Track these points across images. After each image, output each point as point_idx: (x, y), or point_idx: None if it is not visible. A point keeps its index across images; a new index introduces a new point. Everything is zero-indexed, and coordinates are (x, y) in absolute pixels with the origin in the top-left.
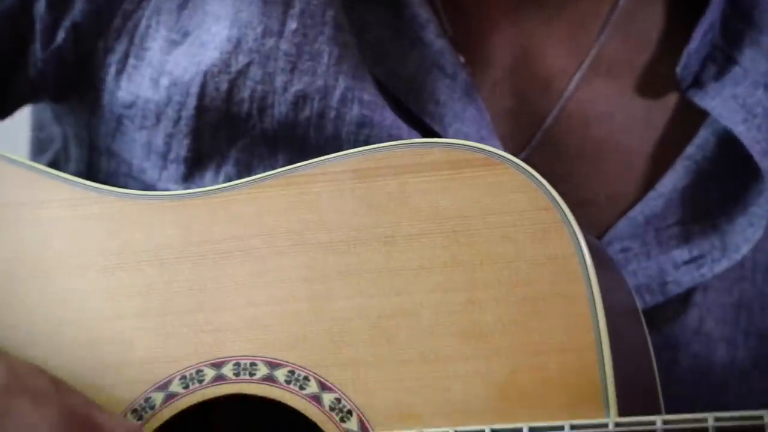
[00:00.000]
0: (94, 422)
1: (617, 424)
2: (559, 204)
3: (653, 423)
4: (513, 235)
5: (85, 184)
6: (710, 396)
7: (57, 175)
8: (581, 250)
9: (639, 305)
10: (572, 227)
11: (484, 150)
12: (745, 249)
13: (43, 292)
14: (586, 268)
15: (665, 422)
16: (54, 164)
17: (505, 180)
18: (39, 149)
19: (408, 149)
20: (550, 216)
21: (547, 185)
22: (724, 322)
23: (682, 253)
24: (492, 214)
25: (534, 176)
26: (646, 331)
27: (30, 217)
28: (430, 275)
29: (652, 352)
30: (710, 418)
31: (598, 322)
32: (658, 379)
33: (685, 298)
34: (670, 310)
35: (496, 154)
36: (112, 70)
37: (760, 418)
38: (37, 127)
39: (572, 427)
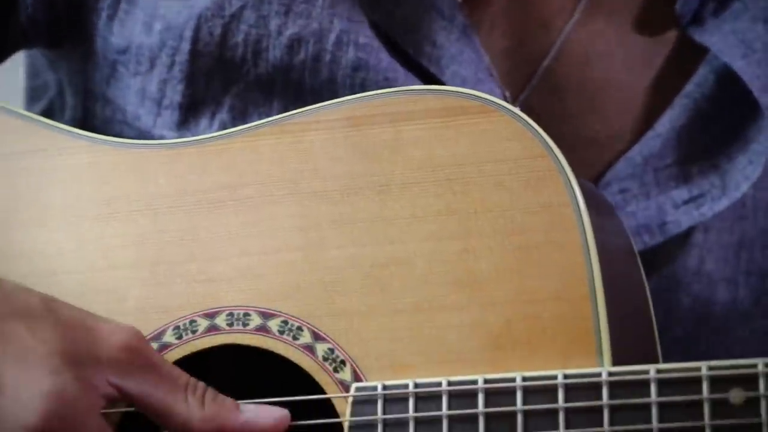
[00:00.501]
0: (88, 331)
1: (611, 374)
2: (554, 152)
3: (647, 372)
4: (508, 183)
5: (78, 134)
6: (711, 338)
7: (50, 125)
8: (576, 198)
9: (638, 247)
10: (567, 175)
11: (479, 97)
12: (745, 187)
13: (37, 242)
14: (581, 216)
15: (659, 371)
16: (49, 112)
17: (499, 128)
18: (33, 97)
19: (402, 96)
20: (544, 164)
21: (542, 133)
22: (725, 261)
23: (681, 193)
24: (487, 162)
25: (529, 124)
26: (644, 275)
27: (23, 166)
28: (423, 224)
29: (650, 296)
30: (704, 366)
31: (592, 270)
32: (655, 325)
33: (685, 238)
34: (669, 251)
35: (491, 101)
36: (104, 14)
37: (754, 366)
38: (32, 75)
39: (565, 376)
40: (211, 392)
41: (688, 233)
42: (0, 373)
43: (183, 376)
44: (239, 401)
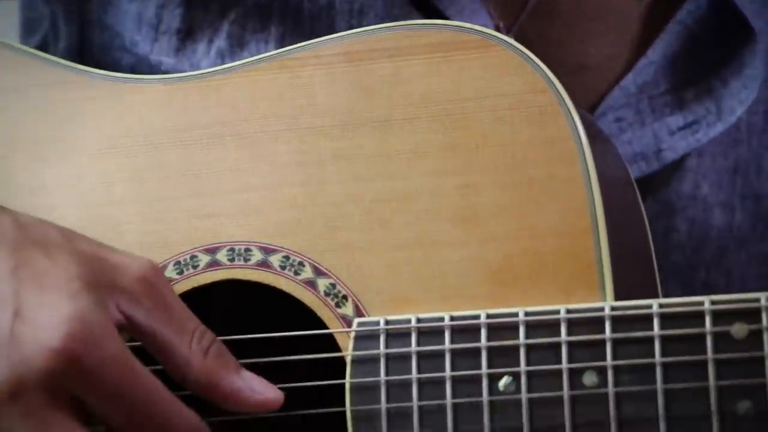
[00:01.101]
0: (106, 261)
1: (613, 308)
2: (555, 85)
3: (649, 307)
4: (509, 118)
5: (77, 69)
6: (710, 264)
7: (50, 60)
8: (577, 132)
9: (634, 174)
10: (568, 109)
11: (479, 31)
12: (739, 111)
13: (36, 176)
14: (583, 151)
15: (661, 306)
16: (43, 46)
17: (500, 62)
18: (29, 30)
19: (400, 31)
20: (545, 98)
21: (543, 67)
22: (720, 186)
23: (676, 120)
24: (487, 97)
25: (530, 58)
26: (642, 205)
27: (22, 101)
28: (424, 159)
29: (649, 229)
30: (706, 301)
31: (594, 204)
32: (654, 256)
33: (680, 164)
34: (665, 177)
35: (491, 35)
36: None
37: (757, 300)
38: (27, 6)
39: (568, 311)
40: (217, 346)
41: (683, 159)
42: (19, 298)
43: (193, 321)
44: (241, 336)
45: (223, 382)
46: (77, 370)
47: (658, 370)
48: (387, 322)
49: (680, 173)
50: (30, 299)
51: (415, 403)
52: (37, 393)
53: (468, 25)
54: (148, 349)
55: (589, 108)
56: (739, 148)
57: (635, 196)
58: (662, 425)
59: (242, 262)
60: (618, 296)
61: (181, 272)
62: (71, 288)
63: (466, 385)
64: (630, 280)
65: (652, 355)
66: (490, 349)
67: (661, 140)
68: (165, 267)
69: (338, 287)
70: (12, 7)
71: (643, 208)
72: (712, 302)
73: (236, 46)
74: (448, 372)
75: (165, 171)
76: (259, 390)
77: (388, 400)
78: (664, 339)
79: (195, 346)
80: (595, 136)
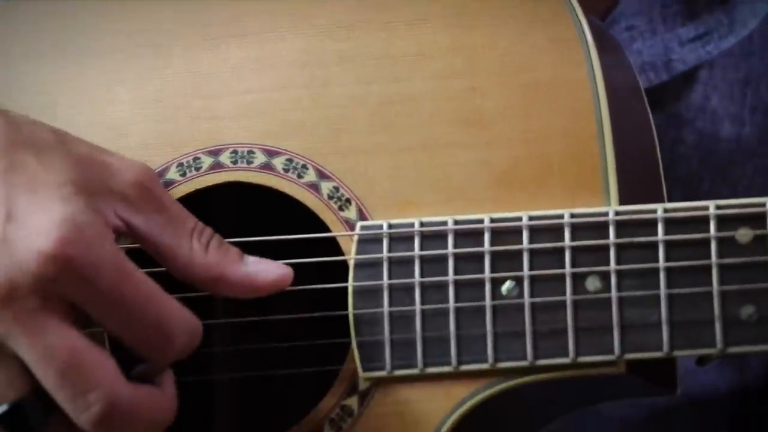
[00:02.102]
0: (100, 164)
1: (617, 213)
2: None
3: (654, 211)
4: (515, 19)
5: None
6: (715, 176)
7: None
8: (584, 35)
9: (643, 85)
10: (575, 11)
11: None
12: (753, 24)
13: (38, 75)
14: (590, 53)
15: (666, 210)
16: None
17: None
18: None
19: None
20: (553, 1)
21: None
22: (730, 98)
23: (687, 31)
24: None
25: None
26: (650, 113)
27: (21, 2)
28: (430, 61)
29: (656, 134)
30: (711, 205)
31: (600, 108)
32: (661, 166)
33: (690, 75)
34: (674, 88)
35: None
36: None
37: (762, 205)
38: None
39: (572, 215)
40: (216, 239)
41: (694, 70)
42: (11, 201)
43: (190, 220)
44: (243, 239)
45: (228, 271)
46: (70, 273)
47: (662, 275)
48: (390, 226)
49: (690, 85)
50: (22, 202)
51: (417, 306)
52: (30, 297)
53: None
54: (149, 253)
55: (601, 15)
56: (751, 60)
57: (643, 103)
58: (665, 330)
59: (245, 165)
60: (623, 202)
61: (183, 174)
62: (63, 192)
63: (469, 289)
64: (635, 186)
65: (656, 260)
66: (493, 254)
67: (672, 51)
68: (168, 169)
69: (342, 190)
70: None
71: (651, 116)
72: (717, 207)
73: None
74: (451, 276)
75: (168, 71)
76: (268, 269)
77: (390, 304)
78: (668, 244)
79: (195, 244)
80: (603, 41)
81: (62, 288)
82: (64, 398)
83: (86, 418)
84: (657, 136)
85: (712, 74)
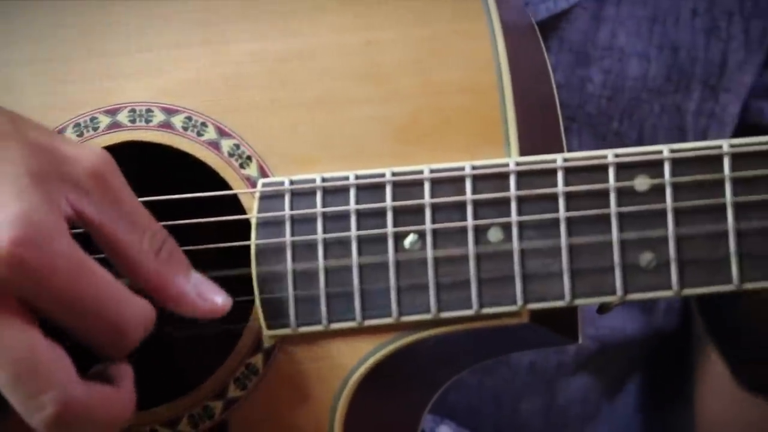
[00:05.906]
0: (57, 151)
1: (518, 163)
2: None
3: (554, 161)
4: None
5: None
6: (623, 114)
7: None
8: None
9: (541, 15)
10: None
11: None
12: None
13: None
14: (488, 6)
15: (566, 159)
16: None
17: None
18: None
19: None
20: None
21: None
22: (637, 35)
23: None
24: None
25: None
26: (547, 59)
27: None
28: (326, 15)
29: (554, 84)
30: (610, 154)
31: (499, 58)
32: (560, 115)
33: (597, 13)
34: (580, 23)
35: None
36: None
37: (659, 152)
38: None
39: (473, 167)
40: (169, 246)
41: (600, 7)
42: None
43: (146, 219)
44: (145, 198)
45: (170, 284)
46: (24, 275)
47: (562, 225)
48: (292, 182)
49: (597, 23)
50: None
51: (320, 263)
52: None
53: None
54: (98, 245)
55: None
56: None
57: (541, 49)
58: (566, 279)
59: (144, 123)
60: (524, 152)
61: (81, 134)
62: (20, 184)
63: (372, 244)
64: (536, 139)
65: (556, 211)
66: (395, 208)
67: None
68: (64, 129)
69: (242, 148)
70: None
71: (548, 61)
72: (616, 155)
73: None
74: (353, 232)
75: (61, 30)
76: (208, 294)
77: (294, 261)
78: (568, 195)
79: (146, 245)
80: None
81: (17, 289)
82: (16, 400)
83: (39, 420)
84: (565, 76)
85: (619, 10)
